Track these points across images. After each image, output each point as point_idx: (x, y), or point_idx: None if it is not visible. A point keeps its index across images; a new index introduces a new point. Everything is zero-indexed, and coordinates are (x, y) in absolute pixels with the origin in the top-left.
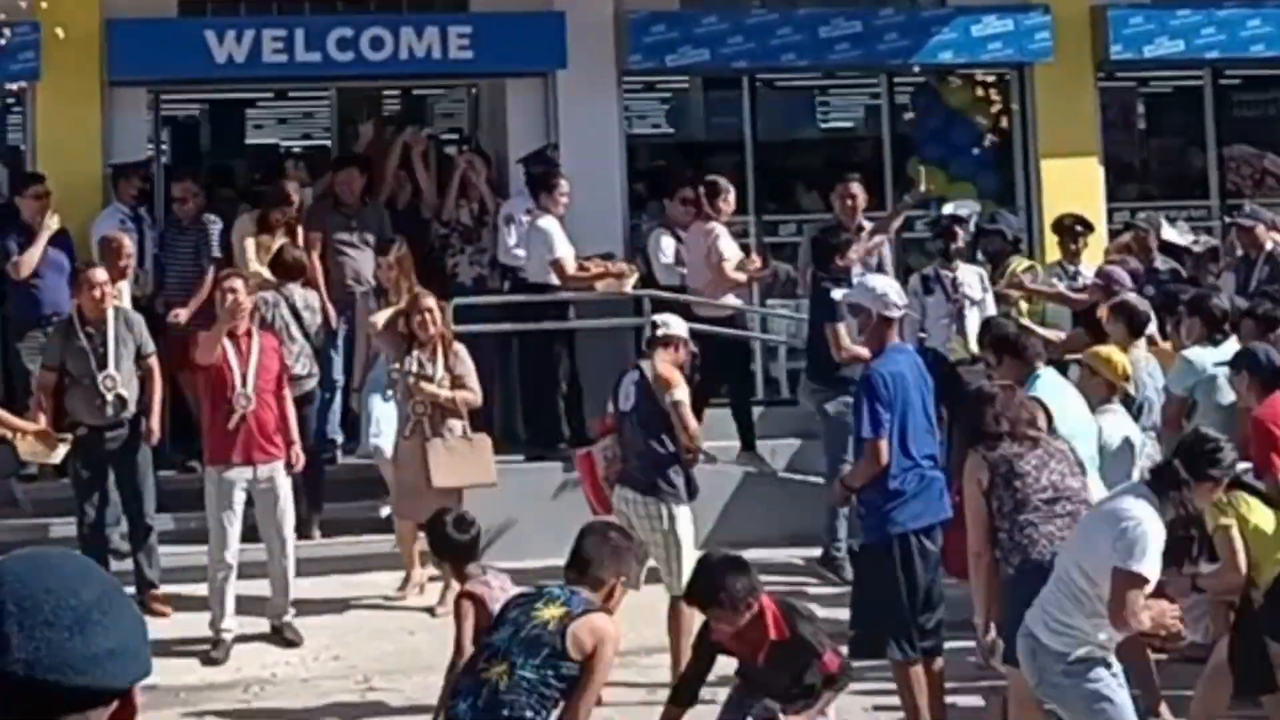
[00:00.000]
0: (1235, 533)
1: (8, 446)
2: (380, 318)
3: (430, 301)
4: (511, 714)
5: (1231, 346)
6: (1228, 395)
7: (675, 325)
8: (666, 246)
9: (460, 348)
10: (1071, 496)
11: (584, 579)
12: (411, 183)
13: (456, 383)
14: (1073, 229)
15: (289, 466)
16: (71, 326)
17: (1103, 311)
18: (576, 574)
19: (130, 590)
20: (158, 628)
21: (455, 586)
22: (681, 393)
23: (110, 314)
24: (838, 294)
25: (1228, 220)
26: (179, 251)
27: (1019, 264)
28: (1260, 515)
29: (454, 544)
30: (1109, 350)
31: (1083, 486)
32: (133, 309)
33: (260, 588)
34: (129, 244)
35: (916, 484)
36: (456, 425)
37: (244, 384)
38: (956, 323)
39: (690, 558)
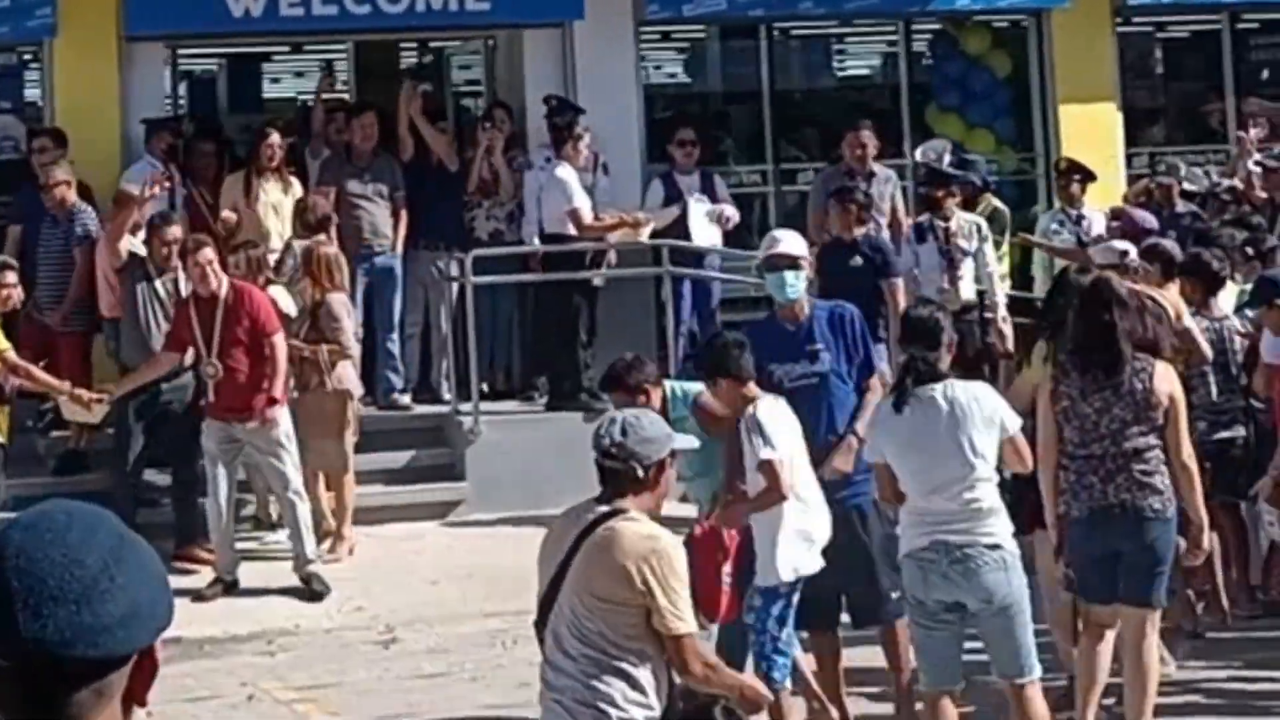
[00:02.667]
0: None
1: (32, 400)
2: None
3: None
4: None
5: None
6: None
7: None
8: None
9: (332, 299)
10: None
11: None
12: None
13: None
14: (1069, 174)
15: (264, 421)
16: (146, 276)
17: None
18: None
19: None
20: (192, 580)
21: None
22: None
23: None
24: None
25: (1254, 162)
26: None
27: (991, 208)
28: None
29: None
30: None
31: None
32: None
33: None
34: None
35: None
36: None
37: (209, 352)
38: (948, 273)
39: None
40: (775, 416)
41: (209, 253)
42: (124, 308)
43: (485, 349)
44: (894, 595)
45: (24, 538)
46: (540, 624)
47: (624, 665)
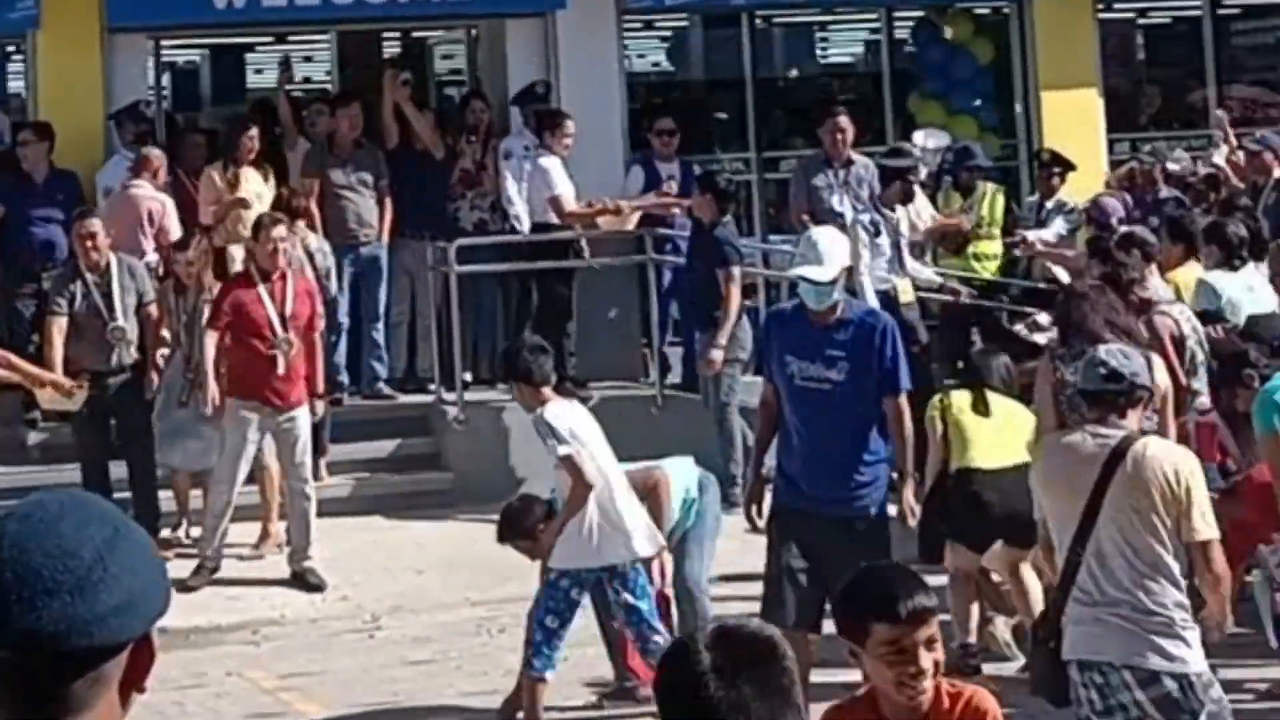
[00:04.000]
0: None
1: (16, 393)
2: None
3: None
4: None
5: (1249, 272)
6: (1243, 319)
7: None
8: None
9: None
10: None
11: None
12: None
13: None
14: (1049, 166)
15: (312, 412)
16: (76, 273)
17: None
18: None
19: None
20: (175, 570)
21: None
22: None
23: (113, 261)
24: None
25: (1235, 146)
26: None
27: (992, 193)
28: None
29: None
30: None
31: None
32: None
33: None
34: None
35: None
36: None
37: (284, 328)
38: (899, 265)
39: None
40: (565, 416)
41: (282, 230)
42: (53, 305)
43: (469, 338)
44: None
45: (18, 529)
46: (1078, 550)
47: (1168, 570)
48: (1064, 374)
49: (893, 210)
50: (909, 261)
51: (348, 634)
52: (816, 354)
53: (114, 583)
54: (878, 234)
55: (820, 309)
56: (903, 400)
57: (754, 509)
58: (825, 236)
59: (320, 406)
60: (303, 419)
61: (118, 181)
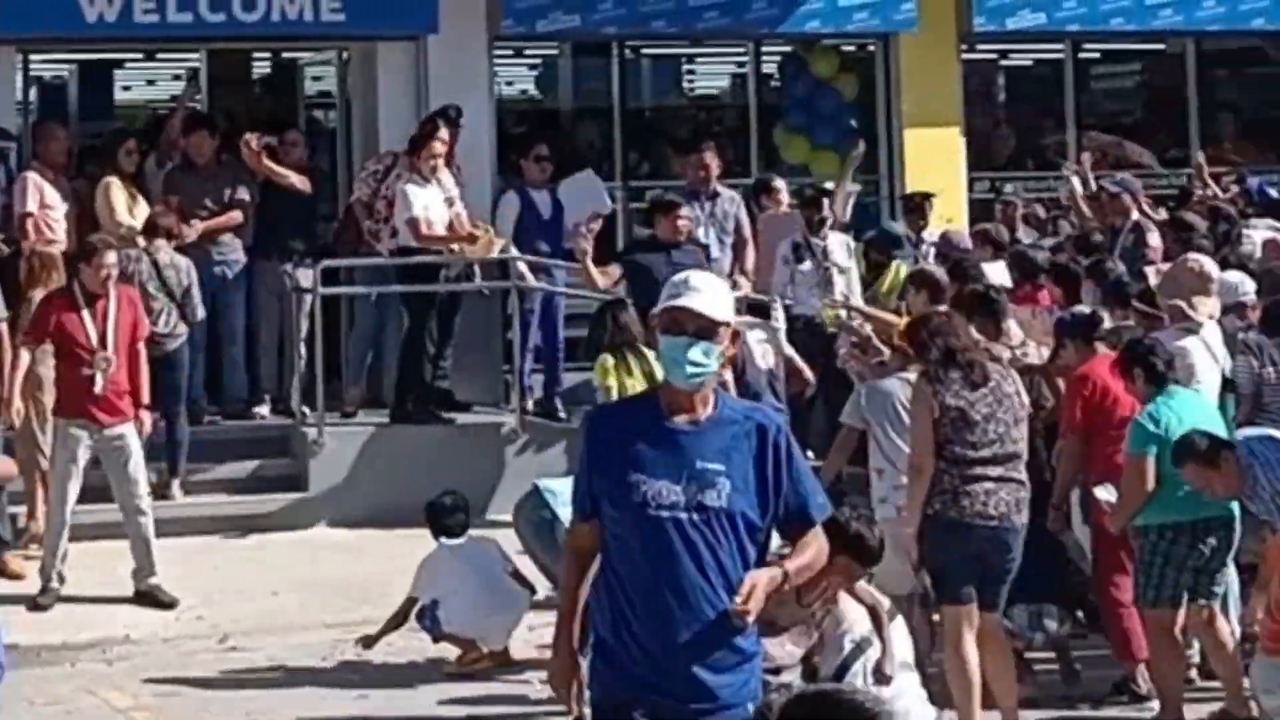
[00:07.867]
0: None
1: None
2: None
3: None
4: None
5: None
6: None
7: None
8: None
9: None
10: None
11: None
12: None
13: None
14: (920, 206)
15: (138, 426)
16: None
17: None
18: None
19: None
20: (18, 588)
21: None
22: None
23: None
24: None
25: (1093, 187)
26: None
27: (896, 269)
28: None
29: None
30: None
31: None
32: None
33: (116, 549)
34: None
35: None
36: None
37: (103, 345)
38: (823, 289)
39: None
40: None
41: (112, 257)
42: None
43: (347, 361)
44: None
45: None
46: None
47: None
48: (944, 398)
49: (824, 239)
50: (837, 283)
51: (202, 654)
52: (682, 469)
53: None
54: (800, 260)
55: (690, 387)
56: (820, 533)
57: (574, 693)
58: (702, 277)
59: (148, 420)
60: (130, 435)
61: None
